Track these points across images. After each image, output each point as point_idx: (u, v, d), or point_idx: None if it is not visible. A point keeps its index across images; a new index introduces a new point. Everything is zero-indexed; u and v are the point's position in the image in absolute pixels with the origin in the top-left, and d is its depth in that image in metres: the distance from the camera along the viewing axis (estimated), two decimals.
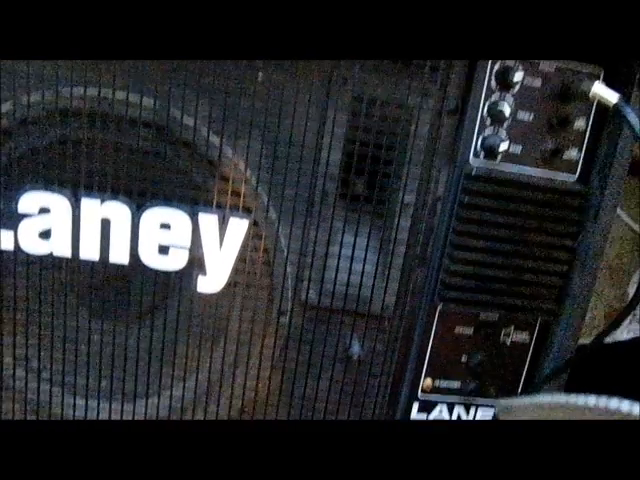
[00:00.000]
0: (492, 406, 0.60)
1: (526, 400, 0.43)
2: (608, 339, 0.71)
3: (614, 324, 0.53)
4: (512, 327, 0.58)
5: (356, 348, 0.55)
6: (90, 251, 0.52)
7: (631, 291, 0.99)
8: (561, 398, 0.39)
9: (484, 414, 0.60)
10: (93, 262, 0.53)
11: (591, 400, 0.36)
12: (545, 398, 0.41)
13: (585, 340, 0.74)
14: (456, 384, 0.59)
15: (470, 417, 0.60)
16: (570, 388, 0.63)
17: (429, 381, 0.58)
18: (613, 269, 1.01)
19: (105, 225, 0.51)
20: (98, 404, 0.57)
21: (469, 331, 0.57)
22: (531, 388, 0.57)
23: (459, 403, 0.60)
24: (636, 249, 1.00)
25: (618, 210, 0.91)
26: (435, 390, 0.59)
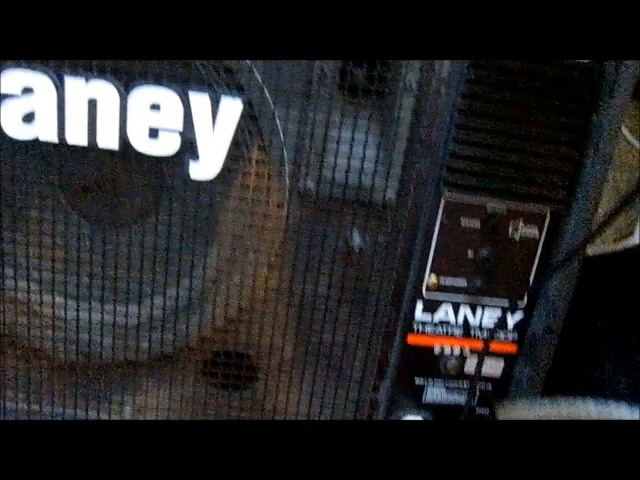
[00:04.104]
0: (499, 307, 0.58)
1: (530, 409, 0.42)
2: (621, 245, 0.69)
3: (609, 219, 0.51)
4: (521, 220, 0.55)
5: (357, 239, 0.53)
6: (77, 135, 0.49)
7: None
8: (562, 407, 0.37)
9: (491, 315, 0.58)
10: (83, 156, 0.51)
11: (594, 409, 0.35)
12: (547, 405, 0.40)
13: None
14: (462, 282, 0.56)
15: (477, 319, 0.58)
16: (580, 295, 0.60)
17: (434, 278, 0.56)
18: (623, 196, 0.98)
19: (92, 107, 0.49)
20: (90, 305, 0.55)
21: (476, 224, 0.55)
22: (539, 281, 0.55)
23: (465, 303, 0.57)
24: None
25: (629, 135, 0.88)
26: (440, 288, 0.56)
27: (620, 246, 0.67)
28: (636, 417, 0.33)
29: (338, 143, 0.51)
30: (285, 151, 0.51)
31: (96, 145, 0.49)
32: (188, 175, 0.51)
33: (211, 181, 0.51)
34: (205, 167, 0.50)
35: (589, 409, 0.34)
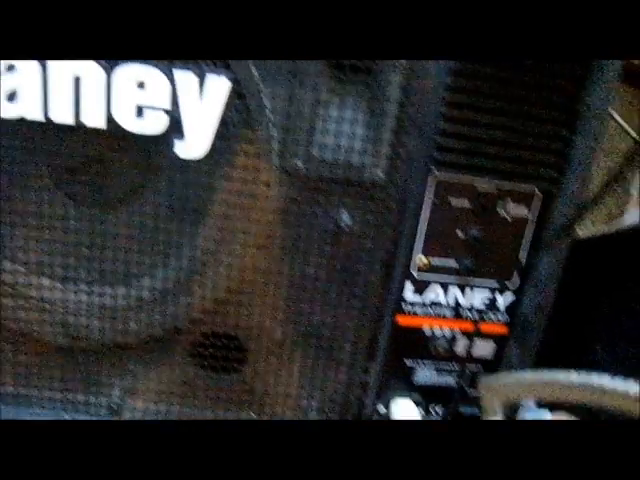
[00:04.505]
0: (489, 287, 0.58)
1: (512, 380, 0.42)
2: (612, 227, 0.69)
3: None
4: (510, 200, 0.55)
5: (346, 219, 0.52)
6: (63, 114, 0.48)
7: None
8: (544, 377, 0.37)
9: (481, 296, 0.58)
10: (68, 135, 0.50)
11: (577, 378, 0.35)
12: (529, 376, 0.40)
13: None
14: (452, 262, 0.56)
15: (467, 300, 0.58)
16: (571, 278, 0.60)
17: (424, 258, 0.56)
18: (612, 175, 0.98)
19: (77, 84, 0.48)
20: (77, 287, 0.55)
21: (466, 204, 0.54)
22: (529, 261, 0.55)
23: (455, 284, 0.57)
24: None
25: (620, 119, 0.88)
26: (430, 269, 0.56)
27: (611, 228, 0.67)
28: (618, 387, 0.33)
29: (326, 121, 0.50)
30: (273, 130, 0.51)
31: (82, 124, 0.49)
32: (176, 154, 0.50)
33: (199, 160, 0.51)
34: (193, 146, 0.50)
35: (571, 378, 0.34)
